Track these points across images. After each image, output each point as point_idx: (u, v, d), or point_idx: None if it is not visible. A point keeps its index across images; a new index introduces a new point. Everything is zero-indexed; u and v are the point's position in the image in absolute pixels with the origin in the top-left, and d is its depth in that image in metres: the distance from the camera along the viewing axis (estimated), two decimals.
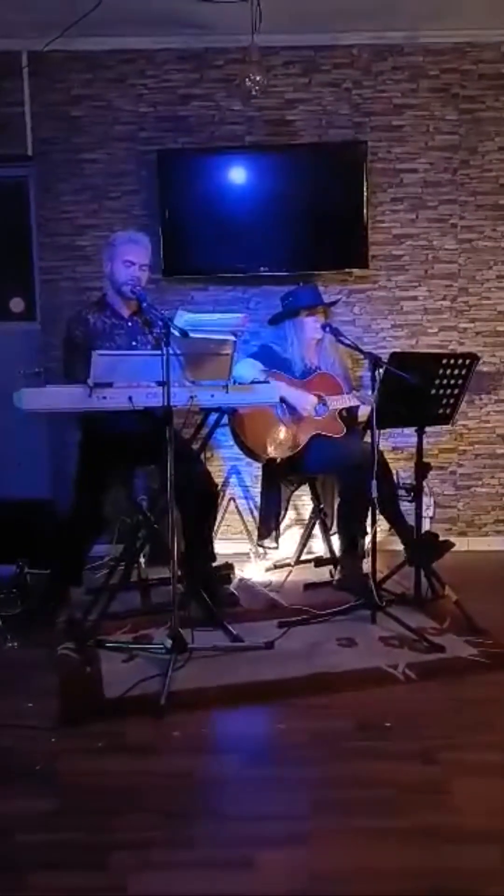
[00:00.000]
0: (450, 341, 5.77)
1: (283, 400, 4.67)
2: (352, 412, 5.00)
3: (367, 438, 4.24)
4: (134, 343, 4.33)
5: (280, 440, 4.80)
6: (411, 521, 4.56)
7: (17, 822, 2.62)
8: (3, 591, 4.61)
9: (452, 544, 4.58)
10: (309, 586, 4.91)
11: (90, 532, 4.49)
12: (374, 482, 4.09)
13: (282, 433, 4.80)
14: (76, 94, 5.60)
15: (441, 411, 4.32)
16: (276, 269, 5.56)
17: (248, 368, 4.72)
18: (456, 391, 4.26)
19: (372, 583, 4.20)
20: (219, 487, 4.89)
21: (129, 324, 4.39)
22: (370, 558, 4.25)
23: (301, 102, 5.64)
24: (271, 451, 4.81)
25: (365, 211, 5.52)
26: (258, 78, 4.93)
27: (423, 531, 4.64)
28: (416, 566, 4.42)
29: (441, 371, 4.16)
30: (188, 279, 5.66)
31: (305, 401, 4.83)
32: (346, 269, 5.66)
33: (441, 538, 4.61)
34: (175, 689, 3.44)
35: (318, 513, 5.18)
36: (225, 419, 4.83)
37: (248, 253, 5.54)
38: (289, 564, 5.19)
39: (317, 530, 5.24)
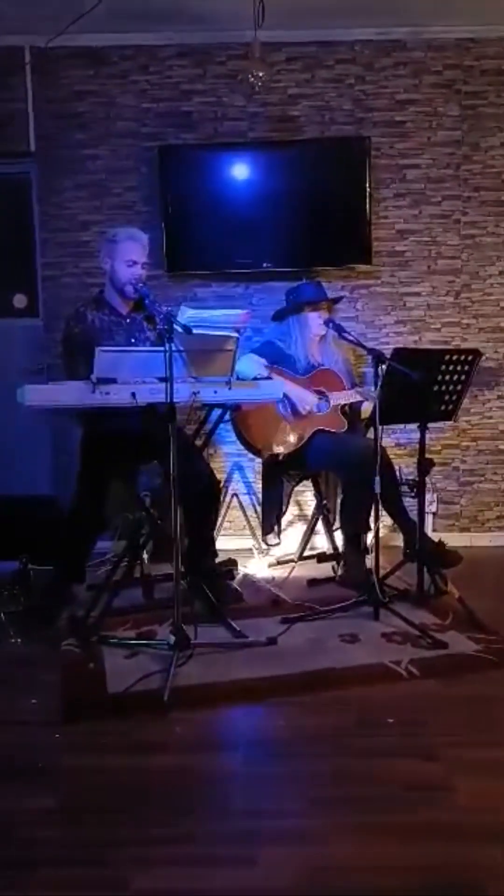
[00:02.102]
0: (453, 337, 5.76)
1: (284, 396, 4.66)
2: (355, 408, 4.99)
3: (370, 434, 4.23)
4: (133, 340, 4.32)
5: (282, 436, 4.80)
6: (414, 516, 4.55)
7: (19, 819, 2.63)
8: (6, 587, 4.60)
9: (460, 558, 4.57)
10: (312, 582, 4.91)
11: (93, 528, 4.49)
12: (378, 478, 4.09)
13: (284, 429, 4.80)
14: (78, 90, 5.60)
15: (444, 407, 4.32)
16: (279, 265, 5.55)
17: (250, 364, 4.72)
18: (459, 387, 4.26)
19: (375, 579, 4.19)
20: (221, 484, 4.88)
21: (128, 321, 4.38)
22: (373, 554, 4.25)
23: (304, 98, 5.64)
24: (274, 447, 4.81)
25: (368, 207, 5.52)
26: (261, 74, 4.92)
27: (431, 538, 4.65)
28: (418, 562, 4.42)
29: (444, 367, 4.16)
30: (191, 275, 5.66)
31: (305, 398, 4.82)
32: (349, 265, 5.65)
33: (449, 549, 4.61)
34: (178, 685, 3.43)
35: (321, 509, 5.18)
36: (228, 416, 4.84)
37: (251, 249, 5.53)
38: (292, 560, 5.19)
39: (320, 526, 5.24)
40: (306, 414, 4.81)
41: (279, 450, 4.82)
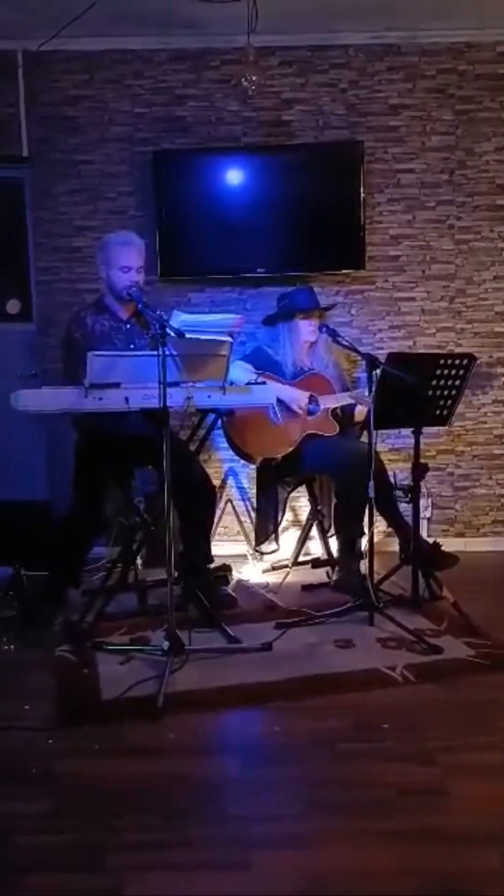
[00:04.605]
0: (447, 342, 5.76)
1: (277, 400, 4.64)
2: (347, 412, 4.99)
3: (364, 439, 4.23)
4: (132, 346, 4.31)
5: (274, 441, 4.79)
6: (409, 522, 4.55)
7: (14, 824, 2.61)
8: (0, 592, 4.59)
9: (457, 559, 4.56)
10: (306, 587, 4.91)
11: (89, 533, 4.48)
12: (372, 483, 4.08)
13: (275, 434, 4.79)
14: (72, 95, 5.58)
15: (438, 412, 4.32)
16: (273, 271, 5.54)
17: (239, 371, 4.70)
18: (453, 392, 4.26)
19: (369, 584, 4.19)
20: (216, 488, 4.87)
21: (128, 326, 4.38)
22: (368, 559, 4.24)
23: (297, 103, 5.63)
24: (266, 452, 4.81)
25: (362, 212, 5.51)
26: (254, 78, 4.92)
27: (427, 540, 4.66)
28: (413, 567, 4.41)
29: (438, 372, 4.16)
30: (184, 280, 5.65)
31: (297, 397, 4.82)
32: (343, 270, 5.65)
33: (444, 550, 4.60)
34: (172, 690, 3.43)
35: (315, 514, 5.17)
36: (219, 423, 4.84)
37: (245, 254, 5.52)
38: (286, 566, 5.18)
39: (314, 532, 5.23)
40: (300, 412, 4.81)
41: (271, 455, 4.81)
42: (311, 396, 4.87)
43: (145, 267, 4.41)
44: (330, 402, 4.90)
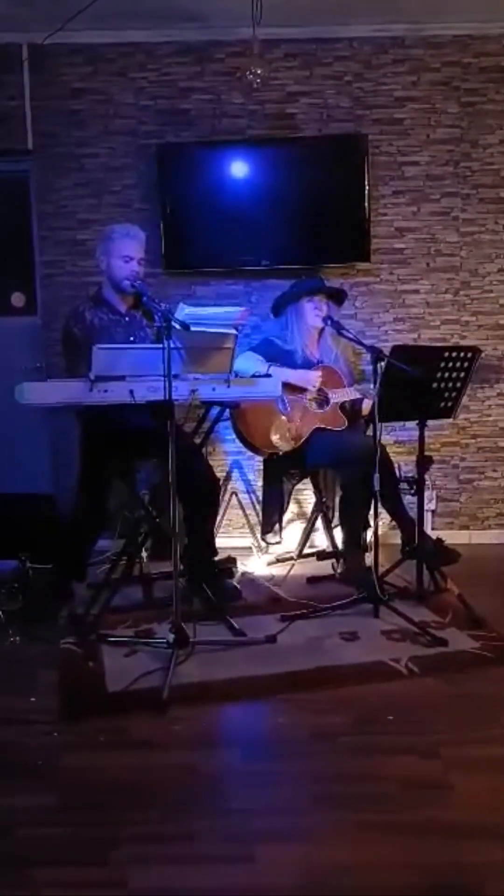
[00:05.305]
0: (452, 334, 5.75)
1: (286, 385, 4.61)
2: (355, 406, 4.98)
3: (370, 432, 4.23)
4: (132, 338, 4.32)
5: (282, 434, 4.79)
6: (413, 514, 4.55)
7: (18, 817, 2.63)
8: (5, 585, 4.60)
9: (459, 555, 4.57)
10: (311, 580, 4.91)
11: (94, 527, 4.49)
12: (377, 475, 4.08)
13: (284, 427, 4.79)
14: (76, 88, 5.58)
15: (443, 405, 4.31)
16: (278, 263, 5.53)
17: (248, 361, 4.70)
18: (458, 384, 4.25)
19: (374, 576, 4.19)
20: (220, 482, 4.87)
21: (127, 319, 4.38)
22: (372, 552, 4.25)
23: (302, 95, 5.61)
24: (273, 445, 4.80)
25: (366, 204, 5.50)
26: (259, 71, 4.90)
27: (429, 537, 4.66)
28: (418, 560, 4.41)
29: (443, 364, 4.15)
30: (189, 273, 5.64)
31: (308, 377, 4.82)
32: (348, 263, 5.64)
33: (447, 546, 4.61)
34: (177, 683, 3.44)
35: (320, 506, 5.17)
36: (226, 413, 4.84)
37: (250, 247, 5.52)
38: (291, 558, 5.18)
39: (319, 524, 5.23)
40: (308, 410, 4.81)
41: (279, 448, 4.81)
42: (320, 391, 4.87)
43: (149, 259, 4.42)
44: (340, 396, 4.90)
